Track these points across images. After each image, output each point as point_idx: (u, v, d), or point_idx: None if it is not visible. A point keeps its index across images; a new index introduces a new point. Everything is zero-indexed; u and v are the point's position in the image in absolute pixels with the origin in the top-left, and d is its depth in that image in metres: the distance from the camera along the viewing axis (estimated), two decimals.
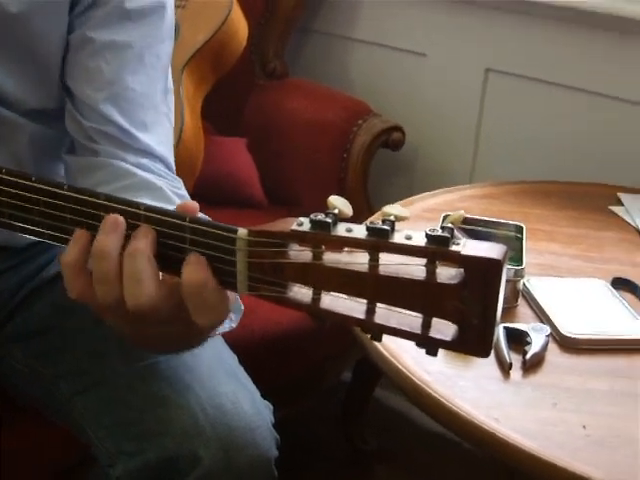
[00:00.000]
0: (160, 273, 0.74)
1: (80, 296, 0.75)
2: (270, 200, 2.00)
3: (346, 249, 0.66)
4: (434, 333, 0.65)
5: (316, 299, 0.68)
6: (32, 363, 1.16)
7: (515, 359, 1.07)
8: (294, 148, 2.02)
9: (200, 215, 0.75)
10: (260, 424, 1.05)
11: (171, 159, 1.11)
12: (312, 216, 0.67)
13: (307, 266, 0.67)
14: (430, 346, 0.66)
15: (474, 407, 0.99)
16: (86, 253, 0.74)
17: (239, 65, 1.94)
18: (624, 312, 1.18)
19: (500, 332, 1.09)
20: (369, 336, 0.68)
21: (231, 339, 1.11)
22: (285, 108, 2.06)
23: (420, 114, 2.08)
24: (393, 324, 0.66)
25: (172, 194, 1.02)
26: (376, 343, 1.08)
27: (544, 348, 1.09)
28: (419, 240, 0.64)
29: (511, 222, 1.34)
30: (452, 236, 0.63)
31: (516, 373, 1.06)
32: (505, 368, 1.05)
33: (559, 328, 1.13)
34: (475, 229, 1.30)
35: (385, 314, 0.66)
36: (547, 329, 1.11)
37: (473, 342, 0.65)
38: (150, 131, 1.07)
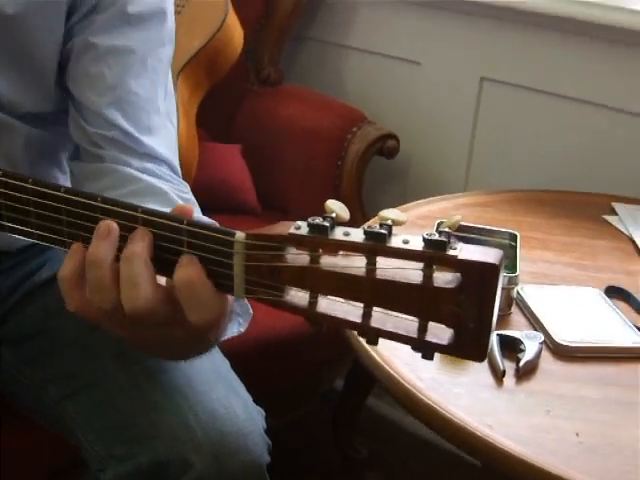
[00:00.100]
0: (157, 276, 0.74)
1: (78, 309, 0.75)
2: (264, 207, 2.00)
3: (343, 253, 0.67)
4: (430, 337, 0.65)
5: (313, 303, 0.68)
6: (21, 366, 1.16)
7: (508, 366, 1.07)
8: (288, 155, 2.03)
9: (203, 218, 0.75)
10: (252, 430, 1.05)
11: (176, 162, 1.11)
12: (310, 220, 0.67)
13: (304, 270, 0.67)
14: (426, 350, 0.66)
15: (467, 414, 0.98)
16: (82, 267, 0.74)
17: (234, 71, 1.94)
18: (618, 320, 1.18)
19: (494, 339, 1.09)
20: (365, 340, 0.68)
21: (223, 344, 1.11)
22: (279, 115, 2.07)
23: (414, 122, 2.08)
24: (389, 328, 0.66)
25: (177, 198, 1.02)
26: (369, 349, 1.09)
27: (537, 355, 1.09)
28: (416, 244, 0.64)
29: (505, 230, 1.34)
30: (449, 240, 0.63)
31: (509, 380, 1.06)
32: (498, 375, 1.06)
33: (553, 336, 1.13)
34: (469, 236, 1.31)
35: (381, 318, 0.67)
36: (541, 337, 1.12)
37: (469, 346, 0.65)
38: (154, 135, 1.08)
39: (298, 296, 0.69)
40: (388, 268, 0.65)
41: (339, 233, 0.66)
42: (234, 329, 0.91)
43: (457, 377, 1.08)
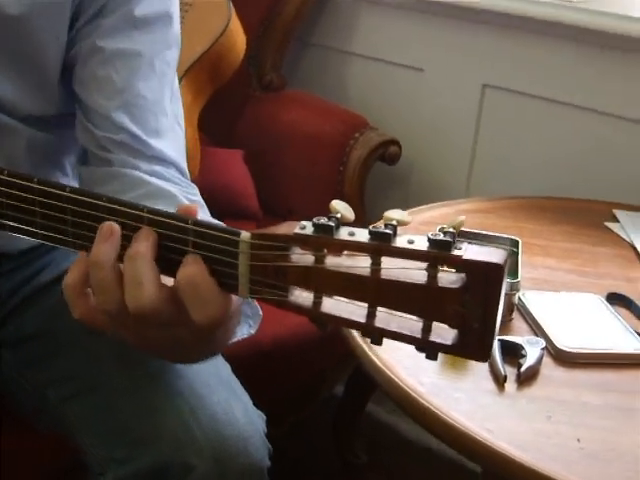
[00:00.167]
0: (164, 277, 0.74)
1: (83, 316, 0.75)
2: (266, 212, 2.00)
3: (348, 253, 0.67)
4: (434, 337, 0.65)
5: (317, 303, 0.68)
6: (21, 369, 1.16)
7: (510, 372, 1.07)
8: (290, 160, 2.03)
9: (212, 220, 0.75)
10: (253, 433, 1.05)
11: (184, 164, 1.10)
12: (315, 220, 0.67)
13: (309, 269, 0.67)
14: (430, 350, 0.66)
15: (468, 419, 0.98)
16: (87, 274, 0.74)
17: (236, 77, 1.94)
18: (619, 327, 1.18)
19: (495, 345, 1.09)
20: (369, 340, 0.68)
21: (224, 349, 1.11)
22: (282, 120, 2.07)
23: (416, 129, 2.08)
24: (393, 328, 0.66)
25: (186, 201, 1.02)
26: (370, 354, 1.08)
27: (539, 361, 1.09)
28: (421, 244, 0.64)
29: (507, 236, 1.34)
30: (454, 240, 0.63)
31: (511, 386, 1.06)
32: (500, 381, 1.06)
33: (554, 342, 1.13)
34: (471, 242, 1.30)
35: (385, 318, 0.67)
36: (542, 342, 1.12)
37: (473, 346, 0.65)
38: (162, 137, 1.07)
39: (302, 296, 0.69)
40: (393, 268, 0.65)
41: (344, 233, 0.66)
42: (244, 331, 0.91)
43: (458, 382, 1.08)
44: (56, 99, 1.10)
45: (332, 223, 0.66)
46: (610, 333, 1.17)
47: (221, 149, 2.03)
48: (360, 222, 0.67)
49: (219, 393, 1.05)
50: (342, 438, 2.01)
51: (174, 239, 0.72)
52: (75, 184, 1.17)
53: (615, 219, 1.60)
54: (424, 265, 0.64)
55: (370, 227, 0.65)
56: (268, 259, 0.69)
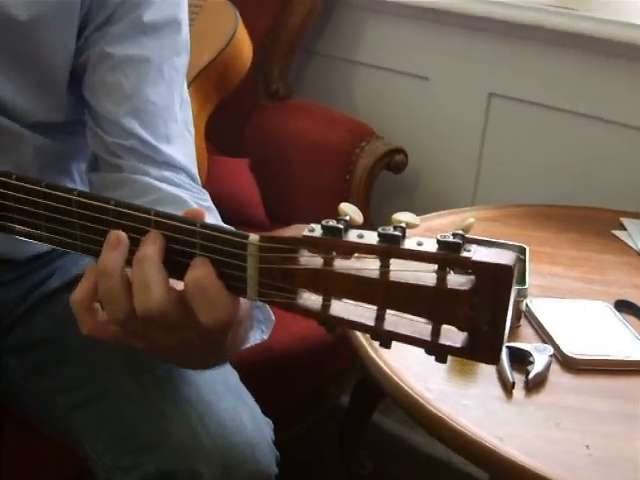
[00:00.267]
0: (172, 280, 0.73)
1: (91, 332, 0.75)
2: (272, 221, 2.00)
3: (357, 255, 0.66)
4: (444, 340, 0.65)
5: (326, 306, 0.68)
6: (29, 376, 1.16)
7: (518, 379, 1.06)
8: (297, 169, 2.03)
9: (223, 225, 0.75)
10: (260, 440, 1.04)
11: (194, 170, 1.10)
12: (324, 222, 0.67)
13: (318, 272, 0.67)
14: (439, 353, 0.66)
15: (477, 426, 0.98)
16: (95, 289, 0.74)
17: (242, 86, 1.95)
18: (627, 334, 1.18)
19: (503, 352, 1.09)
20: (378, 343, 0.68)
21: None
22: (288, 129, 2.07)
23: (422, 137, 2.08)
24: (402, 331, 0.66)
25: (197, 206, 1.02)
26: (378, 360, 1.08)
27: (547, 368, 1.08)
28: (430, 246, 0.64)
29: (514, 243, 1.34)
30: (463, 242, 0.63)
31: (519, 393, 1.05)
32: (508, 387, 1.05)
33: (562, 349, 1.12)
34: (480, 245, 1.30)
35: (395, 321, 0.66)
36: (550, 349, 1.11)
37: (483, 349, 0.64)
38: (172, 143, 1.07)
39: (311, 299, 0.69)
40: (402, 270, 0.65)
41: (353, 235, 0.66)
42: (257, 336, 0.90)
43: (466, 389, 1.08)
44: (64, 106, 1.10)
45: (341, 225, 0.66)
46: (618, 340, 1.17)
47: (227, 158, 2.03)
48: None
49: (227, 400, 1.05)
50: (348, 447, 2.01)
51: (182, 242, 0.72)
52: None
53: (622, 227, 1.59)
54: (433, 267, 0.64)
55: (379, 229, 0.65)
56: (276, 262, 0.68)
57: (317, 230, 0.67)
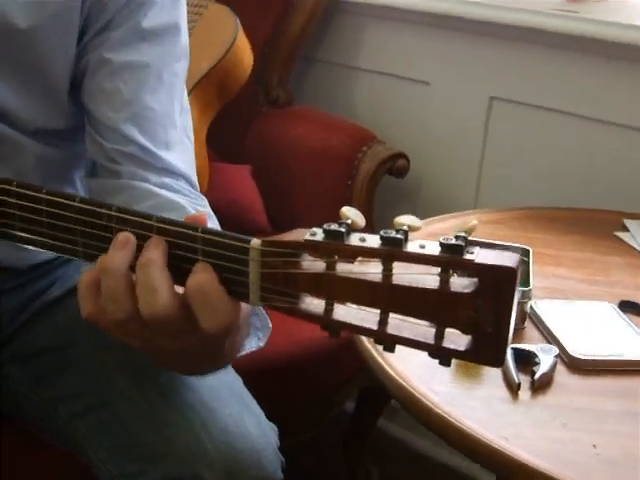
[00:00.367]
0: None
1: (90, 315, 0.75)
2: (274, 227, 2.00)
3: (359, 259, 0.66)
4: (447, 343, 0.65)
5: (329, 310, 0.68)
6: (31, 385, 1.16)
7: (523, 380, 1.06)
8: (299, 175, 2.03)
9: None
10: (265, 446, 1.04)
11: (194, 176, 1.11)
12: (325, 226, 0.67)
13: (320, 276, 0.67)
14: (443, 356, 0.66)
15: (483, 427, 0.98)
16: None
17: (243, 93, 1.95)
18: (632, 334, 1.18)
19: (508, 353, 1.09)
20: (382, 347, 0.67)
21: (235, 363, 1.11)
22: (289, 135, 2.07)
23: (424, 142, 2.08)
24: (406, 334, 0.66)
25: (195, 212, 1.02)
26: (383, 364, 1.08)
27: (552, 369, 1.08)
28: (433, 249, 0.64)
29: (517, 245, 1.33)
30: (466, 245, 0.63)
31: (525, 393, 1.05)
32: (514, 388, 1.05)
33: (567, 349, 1.12)
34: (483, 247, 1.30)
35: (398, 325, 0.66)
36: (555, 350, 1.11)
37: (487, 352, 0.64)
38: (171, 149, 1.08)
39: (314, 303, 0.69)
40: (405, 273, 0.64)
41: (355, 239, 0.66)
42: (253, 344, 0.91)
43: (472, 391, 1.08)
44: (65, 112, 1.10)
45: (343, 229, 0.66)
46: (623, 340, 1.17)
47: (229, 165, 2.03)
48: None
49: (231, 406, 1.05)
50: (353, 454, 2.01)
51: (184, 247, 0.72)
52: None
53: (625, 228, 1.59)
54: (436, 270, 0.64)
55: (381, 232, 0.65)
56: (278, 266, 0.68)
57: (319, 234, 0.67)
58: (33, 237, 0.80)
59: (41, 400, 1.15)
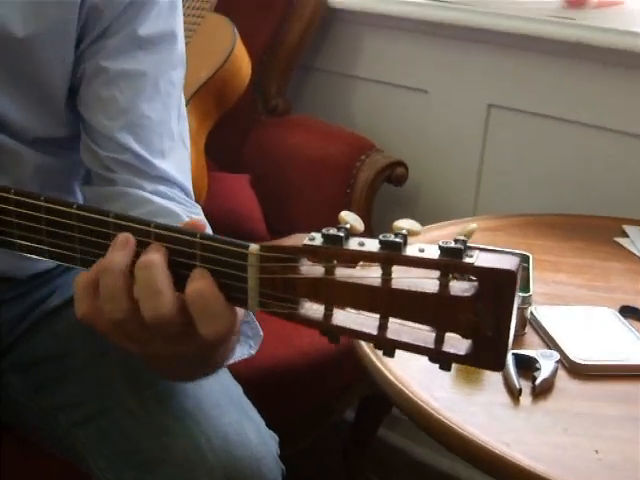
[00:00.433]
0: None
1: (86, 316, 0.75)
2: (273, 236, 1.99)
3: (359, 263, 0.66)
4: (448, 347, 0.65)
5: (328, 315, 0.68)
6: (30, 394, 1.16)
7: (524, 385, 1.06)
8: (297, 184, 2.03)
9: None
10: (265, 454, 1.04)
11: (189, 185, 1.11)
12: (324, 230, 0.67)
13: (319, 281, 0.67)
14: (443, 361, 0.65)
15: (484, 433, 0.97)
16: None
17: (241, 102, 1.95)
18: (632, 339, 1.18)
19: (509, 359, 1.08)
20: (382, 352, 0.67)
21: (233, 371, 1.12)
22: (287, 144, 2.07)
23: (422, 150, 2.08)
24: (406, 339, 0.66)
25: (189, 220, 1.02)
26: (383, 370, 1.08)
27: (553, 374, 1.08)
28: (432, 253, 0.63)
29: (517, 251, 1.33)
30: (465, 248, 0.63)
31: (526, 399, 1.05)
32: (515, 394, 1.05)
33: (568, 355, 1.12)
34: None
35: (398, 329, 0.66)
36: (556, 355, 1.11)
37: (487, 356, 0.64)
38: (167, 158, 1.07)
39: (313, 309, 0.68)
40: (404, 278, 0.64)
41: (354, 243, 0.66)
42: (244, 351, 0.91)
43: (472, 396, 1.07)
44: (64, 121, 1.10)
45: (341, 233, 0.66)
46: (624, 345, 1.16)
47: (228, 174, 2.03)
48: None
49: (231, 414, 1.05)
50: (353, 462, 2.00)
51: (182, 254, 0.72)
52: None
53: (624, 234, 1.59)
54: (436, 274, 0.63)
55: (380, 236, 0.65)
56: (277, 271, 0.68)
57: (317, 239, 0.67)
58: (32, 245, 0.80)
59: (41, 409, 1.14)
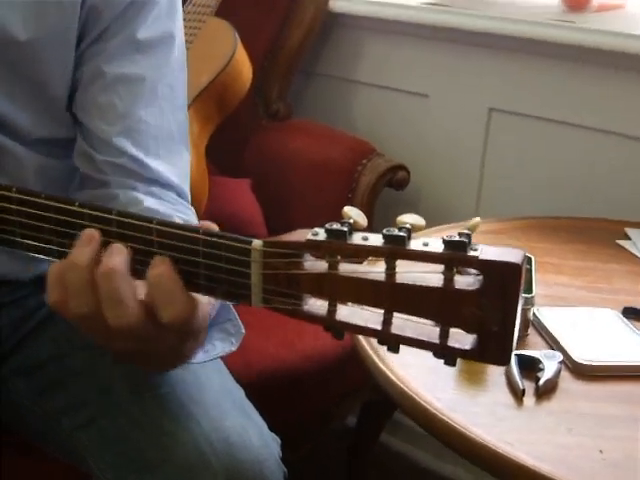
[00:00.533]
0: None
1: (56, 304, 0.77)
2: None
3: (362, 258, 0.66)
4: (452, 342, 0.64)
5: (332, 311, 0.67)
6: (34, 397, 1.15)
7: (528, 386, 1.05)
8: (298, 188, 2.02)
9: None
10: (268, 457, 1.03)
11: (185, 187, 1.11)
12: (327, 225, 0.66)
13: (323, 276, 0.66)
14: (448, 356, 0.65)
15: (488, 433, 0.97)
16: None
17: (242, 107, 1.95)
18: (635, 340, 1.17)
19: (512, 359, 1.08)
20: (386, 348, 0.67)
21: (234, 374, 1.12)
22: (289, 148, 2.07)
23: (424, 154, 2.08)
24: (410, 334, 0.65)
25: (179, 220, 1.02)
26: (386, 371, 1.07)
27: (557, 374, 1.07)
28: (436, 246, 0.63)
29: None
30: (469, 241, 0.63)
31: (529, 399, 1.05)
32: (518, 394, 1.04)
33: (571, 355, 1.12)
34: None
35: (402, 324, 0.66)
36: (559, 356, 1.10)
37: (493, 350, 0.64)
38: (164, 160, 1.08)
39: (317, 304, 0.68)
40: (408, 272, 0.64)
41: (357, 238, 0.66)
42: (225, 348, 0.92)
43: (475, 397, 1.07)
44: (65, 123, 1.10)
45: (345, 228, 0.66)
46: (627, 346, 1.16)
47: (229, 178, 2.03)
48: None
49: (233, 416, 1.04)
50: (356, 468, 2.00)
51: (185, 250, 0.71)
52: None
53: (627, 237, 1.59)
54: (440, 268, 0.63)
55: (384, 230, 0.65)
56: (280, 267, 0.68)
57: (321, 234, 0.67)
58: (34, 243, 0.80)
59: (44, 413, 1.14)
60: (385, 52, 2.14)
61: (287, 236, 0.69)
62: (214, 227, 0.75)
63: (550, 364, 1.08)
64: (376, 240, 0.65)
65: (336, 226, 0.66)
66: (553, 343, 1.16)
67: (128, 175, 1.05)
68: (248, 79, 1.91)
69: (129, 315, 0.73)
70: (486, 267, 0.62)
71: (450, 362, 0.65)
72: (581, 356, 1.11)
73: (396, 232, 0.64)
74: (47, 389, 1.14)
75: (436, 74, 2.05)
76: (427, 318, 0.65)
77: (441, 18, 1.96)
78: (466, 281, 0.63)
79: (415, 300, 0.64)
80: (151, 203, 1.04)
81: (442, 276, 0.63)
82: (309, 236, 0.67)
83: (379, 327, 0.66)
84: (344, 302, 0.67)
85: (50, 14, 1.03)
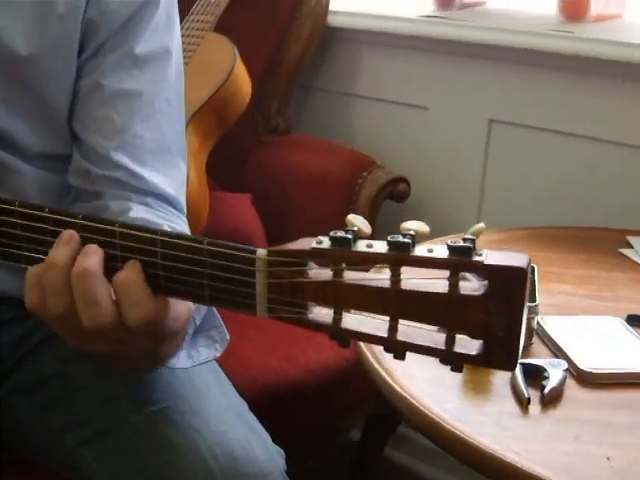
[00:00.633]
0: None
1: (33, 307, 0.79)
2: None
3: (368, 266, 0.66)
4: (459, 348, 0.64)
5: (337, 319, 0.67)
6: (36, 415, 1.14)
7: (533, 394, 1.05)
8: (298, 202, 2.02)
9: None
10: (272, 470, 1.03)
11: (181, 199, 1.11)
12: (332, 233, 0.66)
13: (327, 284, 0.66)
14: (455, 362, 0.65)
15: (494, 442, 0.96)
16: None
17: (242, 122, 1.95)
18: None
19: (517, 368, 1.08)
20: (392, 355, 0.67)
21: (237, 388, 1.12)
22: (288, 162, 2.07)
23: (424, 167, 2.08)
24: (416, 341, 0.65)
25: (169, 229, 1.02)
26: (390, 381, 1.07)
27: (562, 383, 1.07)
28: (441, 252, 0.63)
29: None
30: (474, 247, 0.63)
31: (535, 408, 1.04)
32: (524, 403, 1.04)
33: (576, 363, 1.11)
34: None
35: (408, 331, 0.66)
36: (564, 364, 1.10)
37: (499, 356, 0.64)
38: (160, 172, 1.08)
39: (322, 313, 0.68)
40: (413, 278, 0.64)
41: (362, 245, 0.66)
42: (210, 353, 0.94)
43: (481, 406, 1.07)
44: (66, 137, 1.10)
45: (349, 236, 0.66)
46: (632, 353, 1.16)
47: (229, 193, 2.03)
48: None
49: (237, 430, 1.04)
50: None
51: (190, 261, 0.71)
52: None
53: (629, 245, 1.58)
54: (445, 274, 0.63)
55: (388, 237, 0.65)
56: (285, 276, 0.68)
57: (325, 242, 0.67)
58: (38, 256, 0.79)
59: (47, 430, 1.13)
60: (384, 65, 2.14)
61: (292, 244, 0.68)
62: None
63: (555, 372, 1.08)
64: (381, 247, 0.65)
65: (340, 234, 0.66)
66: (558, 351, 1.16)
67: (123, 187, 1.06)
68: (247, 94, 1.92)
69: (102, 316, 0.74)
70: (491, 272, 0.62)
71: (457, 368, 0.65)
72: (586, 364, 1.11)
73: (400, 239, 0.64)
74: (50, 406, 1.13)
75: (435, 86, 2.05)
76: (433, 324, 0.65)
77: (439, 30, 1.97)
78: (471, 286, 0.63)
79: (421, 306, 0.64)
80: (138, 212, 1.04)
81: (447, 282, 0.63)
82: (314, 244, 0.67)
83: (385, 334, 0.66)
84: (349, 310, 0.67)
85: (52, 28, 1.03)
